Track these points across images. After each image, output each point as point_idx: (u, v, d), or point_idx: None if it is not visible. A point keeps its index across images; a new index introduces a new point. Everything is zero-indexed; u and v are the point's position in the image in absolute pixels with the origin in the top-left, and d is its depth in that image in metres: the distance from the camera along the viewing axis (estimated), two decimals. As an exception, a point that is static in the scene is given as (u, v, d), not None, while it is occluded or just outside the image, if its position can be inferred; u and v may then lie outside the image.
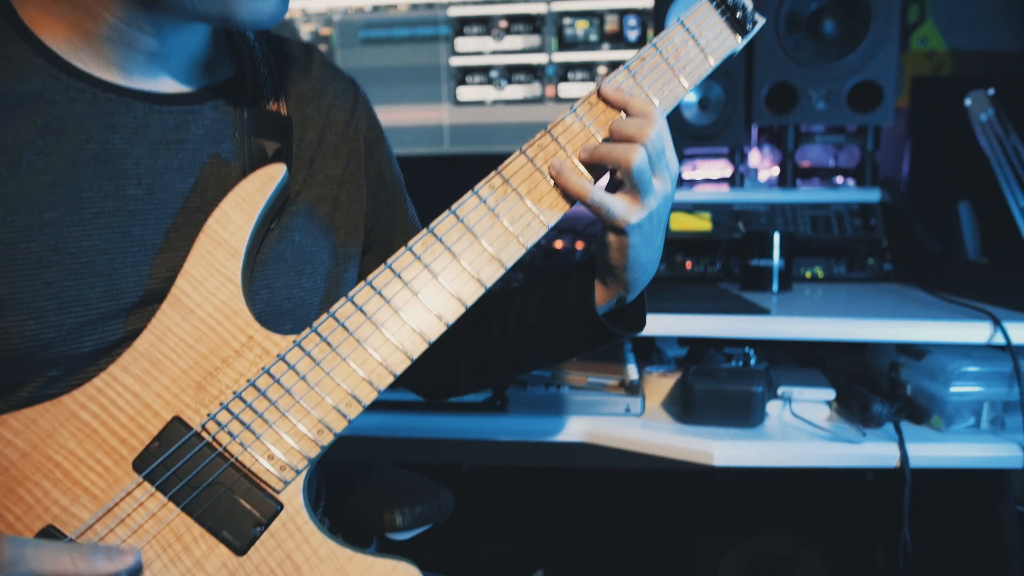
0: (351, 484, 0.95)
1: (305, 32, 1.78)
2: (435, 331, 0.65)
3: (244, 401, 0.62)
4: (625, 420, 1.18)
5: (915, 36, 2.22)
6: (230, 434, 0.61)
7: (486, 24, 1.74)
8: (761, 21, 0.78)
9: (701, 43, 0.75)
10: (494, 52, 1.74)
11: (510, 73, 1.74)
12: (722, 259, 1.63)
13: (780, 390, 1.20)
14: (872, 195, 1.72)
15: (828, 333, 1.17)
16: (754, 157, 1.92)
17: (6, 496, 0.59)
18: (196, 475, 0.61)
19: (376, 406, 0.65)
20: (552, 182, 0.68)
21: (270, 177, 0.66)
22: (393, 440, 1.22)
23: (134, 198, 0.64)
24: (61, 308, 0.60)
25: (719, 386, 1.15)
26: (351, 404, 0.63)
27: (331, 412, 0.63)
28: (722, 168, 1.87)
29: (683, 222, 1.67)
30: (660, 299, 1.37)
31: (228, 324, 0.63)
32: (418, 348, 0.64)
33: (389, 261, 0.65)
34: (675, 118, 1.67)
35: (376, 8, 1.75)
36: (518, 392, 1.23)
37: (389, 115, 1.78)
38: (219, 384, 0.62)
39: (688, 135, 1.73)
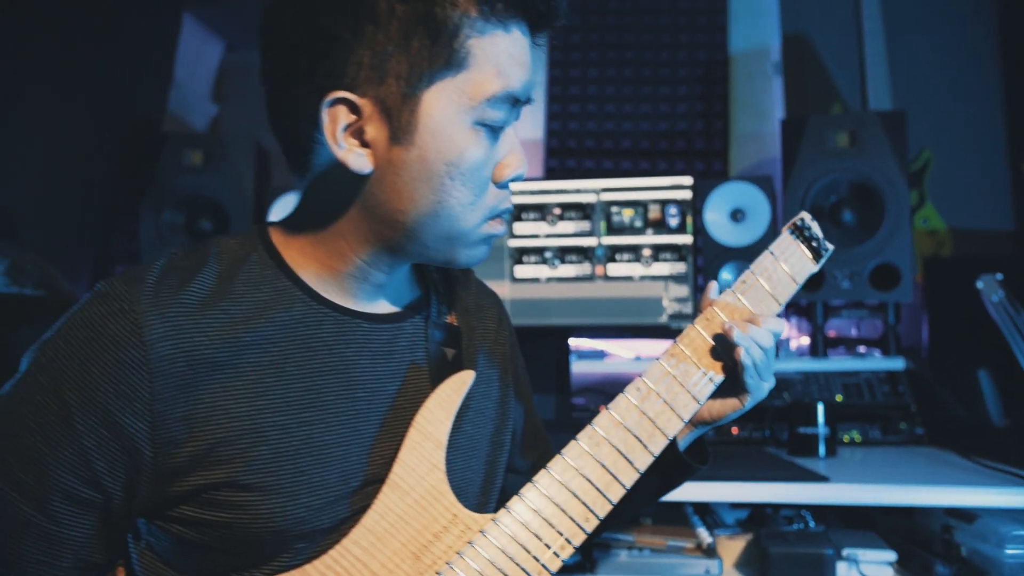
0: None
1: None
2: (603, 510, 0.79)
3: (455, 570, 0.75)
4: (706, 582, 1.29)
5: (917, 216, 2.47)
6: (444, 599, 0.74)
7: (541, 211, 1.96)
8: (831, 248, 0.96)
9: (786, 267, 0.93)
10: (548, 235, 1.95)
11: (563, 254, 1.95)
12: (768, 425, 1.77)
13: (845, 552, 1.31)
14: (897, 363, 1.89)
15: (885, 499, 1.30)
16: (786, 329, 2.11)
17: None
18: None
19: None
20: (683, 386, 0.84)
21: (463, 382, 0.82)
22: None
23: (361, 399, 0.80)
24: (311, 491, 0.74)
25: (792, 549, 1.26)
26: (542, 572, 0.76)
27: (525, 580, 0.76)
28: (758, 339, 2.05)
29: (729, 390, 1.82)
30: (719, 466, 1.50)
31: (436, 504, 0.77)
32: (591, 524, 0.78)
33: (563, 452, 0.80)
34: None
35: (444, 197, 1.99)
36: (604, 555, 1.35)
37: (456, 291, 1.98)
38: (431, 555, 0.75)
39: (729, 311, 1.91)
